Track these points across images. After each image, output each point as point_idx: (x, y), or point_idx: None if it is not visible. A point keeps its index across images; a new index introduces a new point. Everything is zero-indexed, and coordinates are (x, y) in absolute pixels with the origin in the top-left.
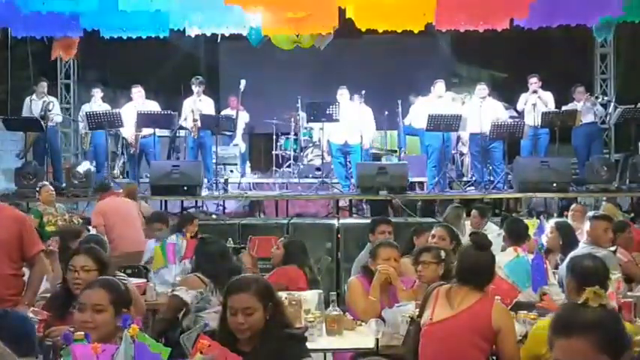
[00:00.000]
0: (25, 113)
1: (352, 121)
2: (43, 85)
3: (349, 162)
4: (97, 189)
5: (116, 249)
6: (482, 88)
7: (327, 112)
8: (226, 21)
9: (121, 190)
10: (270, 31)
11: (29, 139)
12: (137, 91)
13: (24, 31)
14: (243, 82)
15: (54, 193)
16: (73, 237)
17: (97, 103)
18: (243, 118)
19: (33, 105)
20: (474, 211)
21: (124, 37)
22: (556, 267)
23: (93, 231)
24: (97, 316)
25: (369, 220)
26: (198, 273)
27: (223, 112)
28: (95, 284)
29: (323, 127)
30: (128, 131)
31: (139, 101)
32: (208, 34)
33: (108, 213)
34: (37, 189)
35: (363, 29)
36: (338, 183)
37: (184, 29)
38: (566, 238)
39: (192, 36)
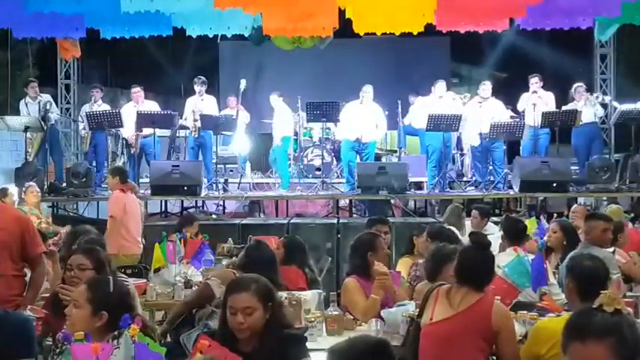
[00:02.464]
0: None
1: (368, 119)
2: (34, 86)
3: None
4: (115, 173)
5: (128, 249)
6: (485, 89)
7: (327, 112)
8: (227, 21)
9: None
10: (272, 31)
11: (35, 139)
12: (136, 92)
13: (26, 32)
14: (243, 82)
15: (39, 194)
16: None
17: (97, 103)
18: (244, 118)
19: (30, 107)
20: (474, 211)
21: (127, 37)
22: (557, 267)
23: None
24: (74, 311)
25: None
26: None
27: (223, 112)
28: (83, 281)
29: (325, 127)
30: (128, 131)
31: (139, 101)
32: (210, 36)
33: (127, 209)
34: (23, 189)
35: (362, 33)
36: (339, 183)
37: (185, 29)
38: (570, 238)
39: (194, 36)
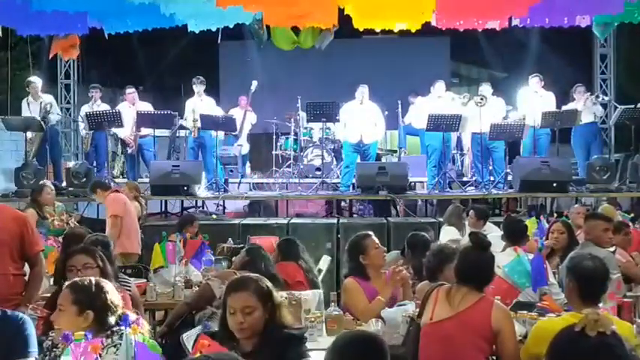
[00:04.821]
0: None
1: (369, 119)
2: (36, 86)
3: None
4: (94, 187)
5: (129, 249)
6: (485, 89)
7: (327, 112)
8: (228, 18)
9: (125, 187)
10: (272, 22)
11: (35, 140)
12: (130, 93)
13: (28, 31)
14: (254, 83)
15: (54, 192)
16: (77, 241)
17: (96, 103)
18: (250, 118)
19: (31, 107)
20: (471, 212)
21: (131, 31)
22: (557, 267)
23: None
24: (59, 314)
25: (369, 221)
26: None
27: (231, 112)
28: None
29: (325, 127)
30: (124, 131)
31: (134, 103)
32: (213, 29)
33: (127, 208)
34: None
35: (361, 28)
36: (339, 183)
37: (187, 26)
38: (573, 238)
39: (197, 32)
